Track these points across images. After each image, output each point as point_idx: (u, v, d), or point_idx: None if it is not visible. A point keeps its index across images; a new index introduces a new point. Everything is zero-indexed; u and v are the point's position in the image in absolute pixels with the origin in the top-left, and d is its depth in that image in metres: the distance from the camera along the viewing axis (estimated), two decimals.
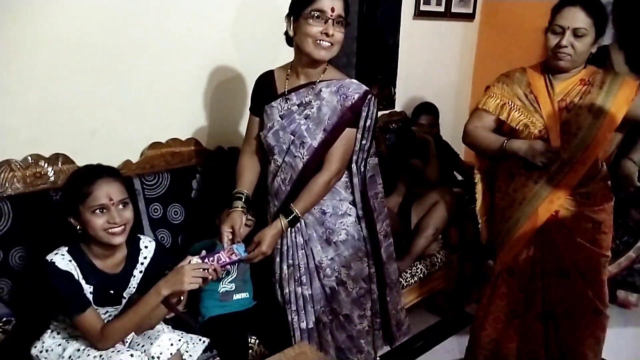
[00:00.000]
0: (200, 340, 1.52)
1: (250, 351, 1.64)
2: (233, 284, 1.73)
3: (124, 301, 1.46)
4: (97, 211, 1.31)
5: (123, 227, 1.35)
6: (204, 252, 1.42)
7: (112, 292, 1.42)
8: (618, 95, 1.67)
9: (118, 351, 1.31)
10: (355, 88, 1.55)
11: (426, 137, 2.70)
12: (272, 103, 1.61)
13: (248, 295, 1.76)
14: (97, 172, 1.35)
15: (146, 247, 1.49)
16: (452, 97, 3.47)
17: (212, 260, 1.40)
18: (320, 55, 1.48)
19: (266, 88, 1.64)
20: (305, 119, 1.55)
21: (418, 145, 2.72)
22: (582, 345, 1.81)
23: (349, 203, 1.64)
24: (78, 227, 1.34)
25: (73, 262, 1.34)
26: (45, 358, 1.39)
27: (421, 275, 2.34)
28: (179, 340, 1.42)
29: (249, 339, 1.65)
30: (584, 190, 1.74)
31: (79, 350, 1.36)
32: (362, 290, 1.66)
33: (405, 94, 3.11)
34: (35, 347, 1.41)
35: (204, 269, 1.36)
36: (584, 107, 1.68)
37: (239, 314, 1.69)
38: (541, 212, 1.74)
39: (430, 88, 3.20)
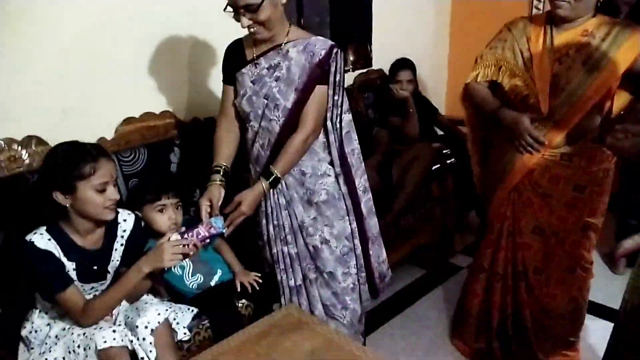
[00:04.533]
0: (188, 309, 1.57)
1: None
2: (199, 274, 1.70)
3: (109, 276, 1.48)
4: (100, 188, 1.33)
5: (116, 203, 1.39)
6: (183, 228, 1.43)
7: (95, 267, 1.44)
8: (623, 47, 1.53)
9: (100, 328, 1.34)
10: (321, 44, 1.55)
11: (404, 93, 2.69)
12: (243, 70, 1.60)
13: (222, 272, 1.75)
14: (99, 151, 1.37)
15: (125, 220, 1.51)
16: (429, 51, 3.44)
17: (192, 236, 1.41)
18: (258, 38, 1.51)
19: (236, 56, 1.63)
20: (276, 81, 1.56)
21: (396, 103, 2.72)
22: (555, 302, 1.78)
23: (328, 163, 1.65)
24: (66, 204, 1.34)
25: (52, 240, 1.36)
26: (35, 338, 1.43)
27: (405, 230, 2.39)
28: (167, 310, 1.46)
29: (237, 304, 1.69)
30: (567, 151, 1.65)
31: (64, 329, 1.40)
32: (346, 248, 1.70)
33: (382, 52, 3.07)
34: (25, 327, 1.45)
35: (183, 245, 1.38)
36: (577, 60, 1.58)
37: (224, 283, 1.72)
38: (517, 167, 1.71)
39: (407, 44, 3.16)
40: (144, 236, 1.56)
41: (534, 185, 1.71)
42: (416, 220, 2.45)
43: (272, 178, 1.57)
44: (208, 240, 1.47)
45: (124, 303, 1.50)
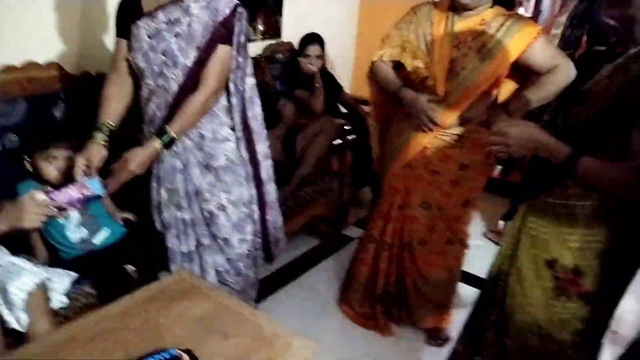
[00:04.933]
0: (67, 274, 1.49)
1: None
2: (84, 228, 1.64)
3: None
4: None
5: None
6: (49, 188, 1.32)
7: None
8: (514, 38, 1.64)
9: None
10: (226, 2, 1.49)
11: (312, 68, 2.73)
12: (138, 22, 1.49)
13: (111, 230, 1.70)
14: None
15: None
16: (338, 29, 3.50)
17: (60, 196, 1.27)
18: None
19: (131, 7, 1.52)
20: (176, 37, 1.48)
21: (304, 77, 2.75)
22: (434, 270, 1.94)
23: (229, 128, 1.62)
24: None
25: None
26: None
27: (303, 201, 2.46)
28: (43, 273, 1.38)
29: (124, 268, 1.63)
30: (455, 132, 1.77)
31: None
32: (243, 214, 1.69)
33: (292, 25, 3.07)
34: None
35: (47, 205, 1.24)
36: (473, 48, 1.67)
37: (110, 246, 1.66)
38: (412, 144, 1.83)
39: (317, 19, 3.18)
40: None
41: (426, 163, 1.84)
42: (314, 192, 2.53)
43: (166, 138, 1.50)
44: (82, 203, 1.35)
45: None
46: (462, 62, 1.70)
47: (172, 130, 1.51)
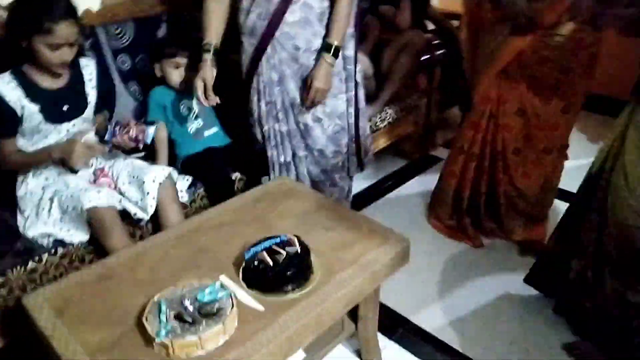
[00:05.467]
0: (183, 177, 1.67)
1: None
2: (200, 120, 1.83)
3: (83, 116, 1.54)
4: (54, 48, 1.38)
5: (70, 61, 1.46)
6: (114, 123, 1.48)
7: (66, 108, 1.50)
8: None
9: (86, 189, 1.42)
10: None
11: None
12: None
13: (218, 130, 1.88)
14: (61, 11, 1.36)
15: (87, 65, 1.58)
16: None
17: (121, 133, 1.46)
18: None
19: None
20: None
21: None
22: (529, 181, 1.90)
23: (321, 37, 1.62)
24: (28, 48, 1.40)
25: (14, 82, 1.42)
26: (30, 201, 1.50)
27: (390, 120, 2.44)
28: (170, 169, 1.57)
29: (231, 174, 1.77)
30: (557, 31, 1.66)
31: (56, 191, 1.48)
32: (337, 126, 1.73)
33: None
34: (20, 189, 1.53)
35: (94, 151, 1.45)
36: None
37: (217, 150, 1.80)
38: (508, 48, 1.73)
39: None
40: (109, 79, 1.79)
41: (522, 67, 1.75)
42: (401, 111, 2.50)
43: (333, 50, 1.58)
44: (132, 143, 1.50)
45: (125, 165, 1.56)
46: None
47: (335, 41, 1.58)
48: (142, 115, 1.90)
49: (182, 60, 1.77)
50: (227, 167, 1.77)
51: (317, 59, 1.62)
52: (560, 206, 2.23)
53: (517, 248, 2.06)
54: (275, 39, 1.59)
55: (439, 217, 2.19)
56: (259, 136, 1.77)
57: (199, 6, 1.67)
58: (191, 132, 1.81)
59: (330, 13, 1.61)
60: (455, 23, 2.85)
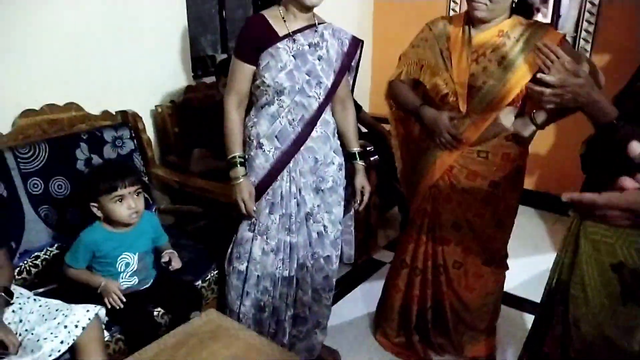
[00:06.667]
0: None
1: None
2: (136, 277, 1.62)
3: None
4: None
5: None
6: None
7: None
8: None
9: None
10: (345, 34, 1.69)
11: None
12: (278, 44, 1.56)
13: (150, 282, 1.68)
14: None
15: None
16: None
17: None
18: (311, 2, 1.54)
19: (264, 31, 1.57)
20: (318, 60, 1.60)
21: None
22: (472, 295, 1.85)
23: (333, 151, 1.72)
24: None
25: None
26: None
27: None
28: (94, 306, 1.41)
29: (153, 312, 1.59)
30: (483, 148, 1.69)
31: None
32: (338, 232, 1.78)
33: None
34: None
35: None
36: (493, 61, 1.60)
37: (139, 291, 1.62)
38: (437, 164, 1.75)
39: None
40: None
41: (453, 182, 1.76)
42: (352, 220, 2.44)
43: (359, 156, 1.78)
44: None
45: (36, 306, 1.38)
46: (483, 76, 1.62)
47: (357, 149, 1.78)
48: (54, 241, 1.72)
49: (127, 190, 1.54)
50: (150, 304, 1.58)
51: (342, 170, 1.75)
52: (508, 314, 2.18)
53: None
54: (300, 153, 1.63)
55: (385, 334, 2.06)
56: (257, 251, 1.68)
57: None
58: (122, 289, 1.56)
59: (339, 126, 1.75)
60: (387, 127, 2.94)
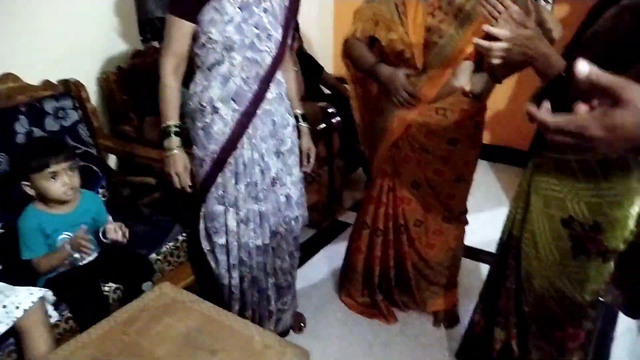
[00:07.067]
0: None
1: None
2: (77, 254, 1.53)
3: None
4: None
5: None
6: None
7: None
8: None
9: None
10: None
11: None
12: None
13: (95, 254, 1.60)
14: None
15: None
16: (315, 8, 3.34)
17: None
18: None
19: None
20: (264, 12, 1.49)
21: None
22: (433, 251, 1.86)
23: (287, 112, 1.66)
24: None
25: None
26: None
27: None
28: (39, 289, 1.35)
29: (103, 287, 1.54)
30: (441, 105, 1.66)
31: None
32: (299, 192, 1.74)
33: None
34: None
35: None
36: (449, 13, 1.54)
37: (86, 265, 1.56)
38: (395, 123, 1.72)
39: None
40: None
41: (411, 141, 1.73)
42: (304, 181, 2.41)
43: (302, 118, 1.74)
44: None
45: None
46: (439, 30, 1.56)
47: (299, 111, 1.73)
48: None
49: (60, 166, 1.46)
50: (97, 278, 1.53)
51: (295, 130, 1.70)
52: (469, 266, 2.23)
53: (433, 319, 1.99)
54: (258, 117, 1.54)
55: (350, 295, 2.08)
56: (232, 222, 1.61)
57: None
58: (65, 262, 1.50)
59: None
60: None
